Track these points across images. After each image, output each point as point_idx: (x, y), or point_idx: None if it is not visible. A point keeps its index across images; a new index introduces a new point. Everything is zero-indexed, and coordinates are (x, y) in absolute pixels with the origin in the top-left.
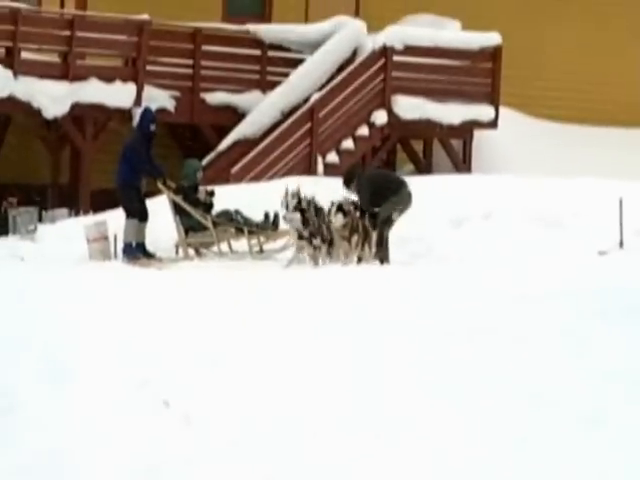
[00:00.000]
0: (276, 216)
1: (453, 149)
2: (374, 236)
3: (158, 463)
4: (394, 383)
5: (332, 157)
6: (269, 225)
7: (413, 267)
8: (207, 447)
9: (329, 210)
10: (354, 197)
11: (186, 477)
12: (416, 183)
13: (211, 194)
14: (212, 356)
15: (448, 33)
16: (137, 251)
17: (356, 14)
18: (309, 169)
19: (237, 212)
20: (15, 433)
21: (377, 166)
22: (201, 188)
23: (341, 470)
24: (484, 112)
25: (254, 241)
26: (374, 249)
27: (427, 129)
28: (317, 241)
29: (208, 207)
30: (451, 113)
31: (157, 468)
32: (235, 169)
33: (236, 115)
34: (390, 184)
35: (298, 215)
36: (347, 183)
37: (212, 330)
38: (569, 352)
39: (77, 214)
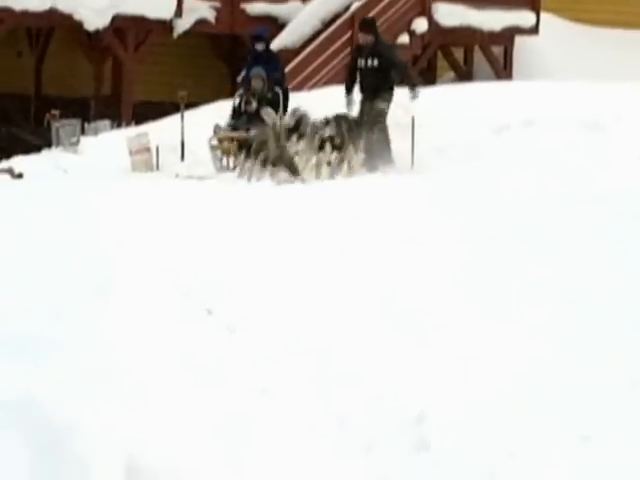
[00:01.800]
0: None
1: (494, 56)
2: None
3: (201, 370)
4: (433, 289)
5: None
6: None
7: (454, 174)
8: (249, 354)
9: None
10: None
11: (228, 381)
12: (457, 91)
13: None
14: (251, 268)
15: None
16: None
17: None
18: None
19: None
20: (63, 340)
21: None
22: None
23: (380, 372)
24: (525, 18)
25: None
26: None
27: (467, 36)
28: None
29: None
30: (491, 19)
31: (201, 374)
32: None
33: (276, 25)
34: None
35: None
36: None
37: (252, 243)
38: (616, 256)
39: (119, 126)
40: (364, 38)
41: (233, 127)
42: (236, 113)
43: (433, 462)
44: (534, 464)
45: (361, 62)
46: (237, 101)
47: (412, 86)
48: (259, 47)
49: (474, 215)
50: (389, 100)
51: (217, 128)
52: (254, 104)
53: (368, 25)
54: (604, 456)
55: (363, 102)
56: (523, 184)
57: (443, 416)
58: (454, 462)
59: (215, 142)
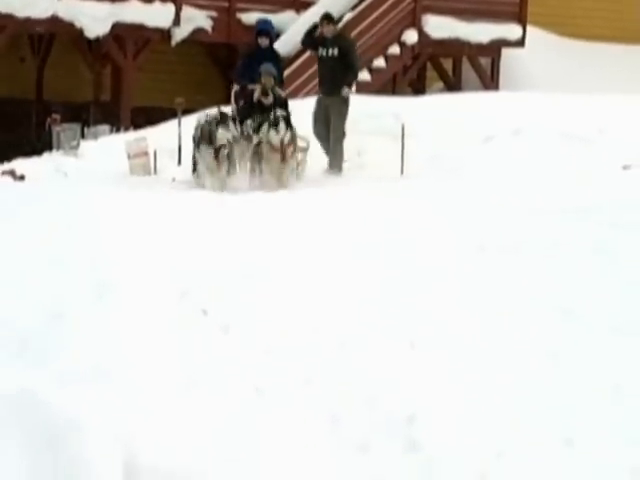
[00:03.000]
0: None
1: (481, 67)
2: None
3: (197, 370)
4: (425, 295)
5: (364, 75)
6: None
7: (442, 182)
8: (243, 354)
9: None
10: None
11: (224, 381)
12: (446, 100)
13: None
14: (247, 270)
15: None
16: None
17: None
18: None
19: None
20: (63, 338)
21: None
22: None
23: (373, 373)
24: (511, 31)
25: None
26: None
27: (456, 48)
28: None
29: None
30: (479, 32)
31: (196, 374)
32: None
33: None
34: None
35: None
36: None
37: (247, 245)
38: (600, 264)
39: (118, 130)
40: (327, 28)
41: (243, 117)
42: (247, 105)
43: (425, 462)
44: (522, 464)
45: (322, 51)
46: (253, 93)
47: (349, 85)
48: (263, 43)
49: (463, 223)
50: (348, 95)
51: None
52: (270, 98)
53: (330, 17)
54: (587, 458)
55: (322, 99)
56: (509, 193)
57: (434, 417)
58: (445, 462)
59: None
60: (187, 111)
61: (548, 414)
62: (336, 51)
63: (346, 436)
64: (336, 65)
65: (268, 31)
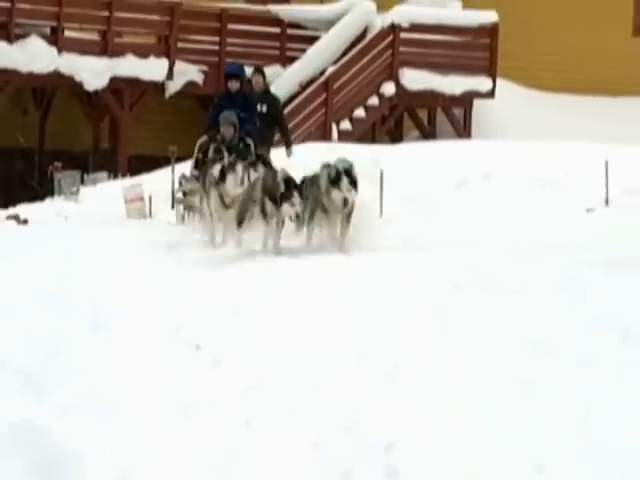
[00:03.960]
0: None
1: (455, 117)
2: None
3: (190, 402)
4: (403, 331)
5: (345, 125)
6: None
7: (417, 226)
8: (234, 387)
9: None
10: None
11: (215, 412)
12: (421, 148)
13: None
14: (238, 307)
15: (450, 12)
16: None
17: None
18: (324, 136)
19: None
20: (62, 373)
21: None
22: None
23: (353, 403)
24: (482, 83)
25: None
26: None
27: (431, 99)
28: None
29: None
30: (453, 84)
31: (190, 406)
32: None
33: None
34: None
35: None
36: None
37: (237, 284)
38: (566, 301)
39: (116, 177)
40: (257, 79)
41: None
42: (200, 163)
43: None
44: None
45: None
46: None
47: (288, 144)
48: (233, 86)
49: (439, 262)
50: (269, 151)
51: (182, 178)
52: (225, 156)
53: (262, 71)
54: None
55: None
56: (482, 234)
57: (412, 445)
58: None
59: (180, 195)
60: (180, 159)
61: (520, 441)
62: (265, 108)
63: (329, 464)
64: (264, 122)
65: (238, 74)
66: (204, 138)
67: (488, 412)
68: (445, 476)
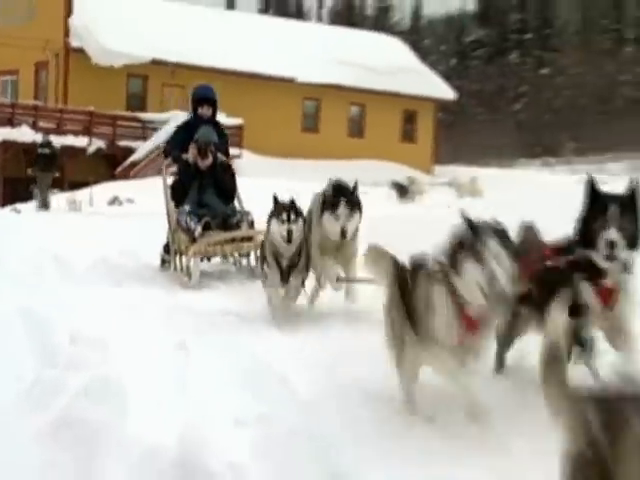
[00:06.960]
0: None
1: None
2: None
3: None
4: None
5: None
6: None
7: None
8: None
9: None
10: None
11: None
12: None
13: None
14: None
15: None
16: None
17: None
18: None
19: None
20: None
21: None
22: None
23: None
24: (236, 153)
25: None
26: None
27: None
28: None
29: None
30: None
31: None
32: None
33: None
34: None
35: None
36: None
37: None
38: None
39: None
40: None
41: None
42: (180, 193)
43: None
44: None
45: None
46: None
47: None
48: (205, 113)
49: None
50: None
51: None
52: (209, 159)
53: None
54: None
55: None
56: None
57: None
58: None
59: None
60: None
61: None
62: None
63: None
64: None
65: (212, 99)
66: (168, 161)
67: None
68: None
